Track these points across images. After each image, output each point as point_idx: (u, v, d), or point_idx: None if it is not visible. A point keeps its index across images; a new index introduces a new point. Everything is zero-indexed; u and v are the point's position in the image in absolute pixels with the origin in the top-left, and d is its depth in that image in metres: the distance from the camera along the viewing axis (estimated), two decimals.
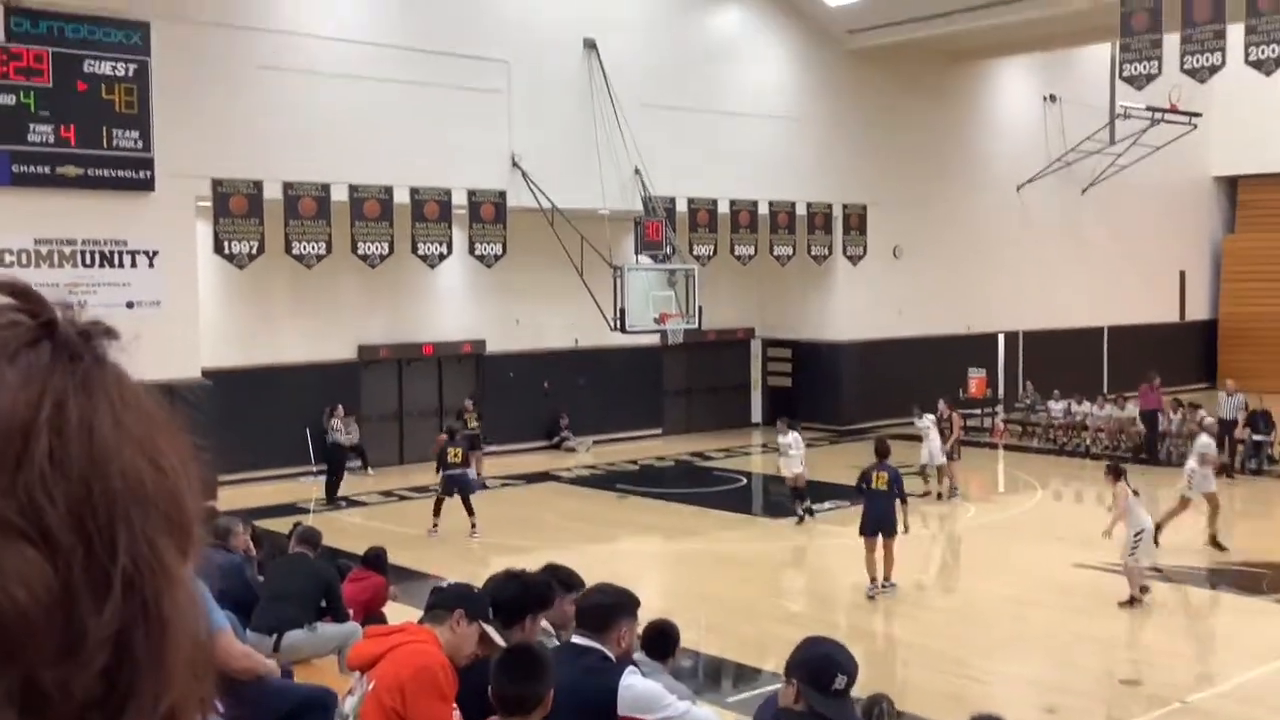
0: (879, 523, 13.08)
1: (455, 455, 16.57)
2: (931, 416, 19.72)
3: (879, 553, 13.19)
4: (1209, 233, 37.24)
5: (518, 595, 4.64)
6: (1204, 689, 10.22)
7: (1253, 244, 36.16)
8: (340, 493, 20.04)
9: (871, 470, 13.35)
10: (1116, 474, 13.09)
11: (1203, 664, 11.02)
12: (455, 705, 4.17)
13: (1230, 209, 37.50)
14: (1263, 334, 35.00)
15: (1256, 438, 22.35)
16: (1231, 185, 37.30)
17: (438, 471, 16.79)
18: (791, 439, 17.29)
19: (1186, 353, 35.89)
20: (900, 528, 13.26)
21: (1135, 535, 12.48)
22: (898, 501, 13.25)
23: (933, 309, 28.42)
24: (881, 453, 13.52)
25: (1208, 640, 12.02)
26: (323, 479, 20.56)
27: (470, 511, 16.30)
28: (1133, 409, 24.74)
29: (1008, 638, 12.22)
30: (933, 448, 19.17)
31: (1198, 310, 36.78)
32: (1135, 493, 12.75)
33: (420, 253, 21.17)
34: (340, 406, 20.90)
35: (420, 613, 5.69)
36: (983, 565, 15.30)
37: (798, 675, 3.79)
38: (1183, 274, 36.18)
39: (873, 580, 13.20)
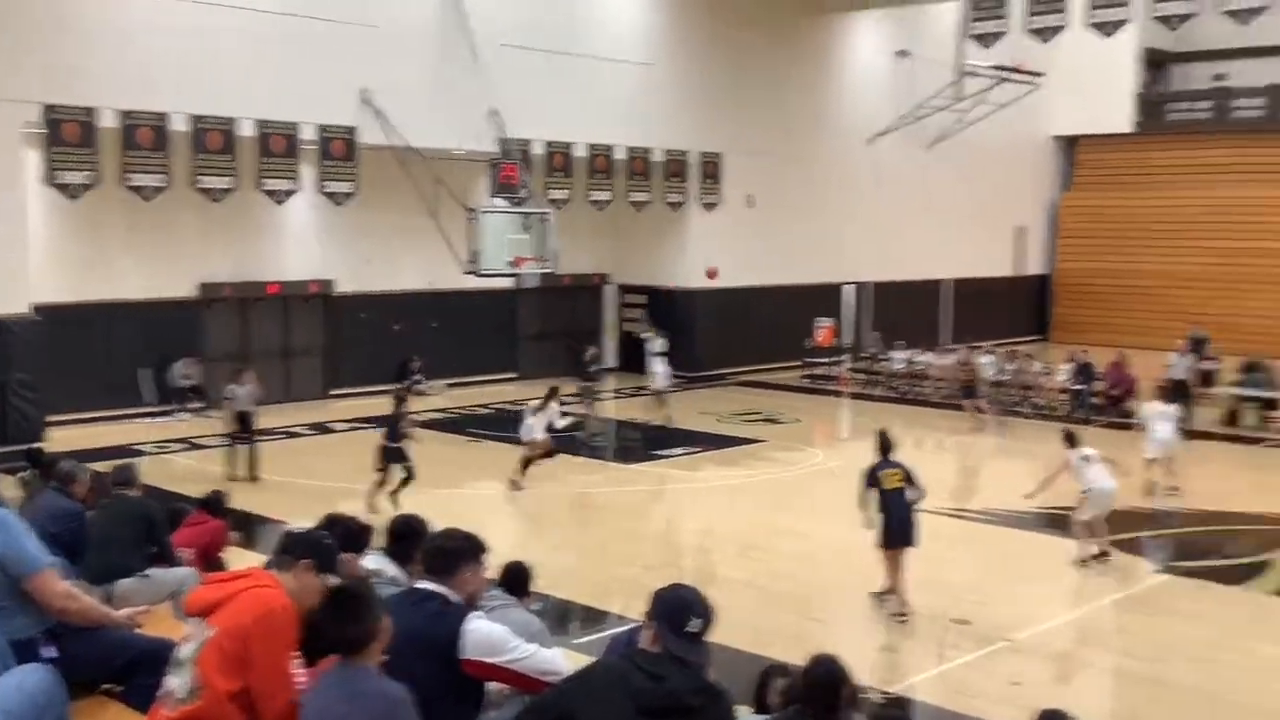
0: (904, 528, 10.95)
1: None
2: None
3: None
4: (1047, 191, 38.65)
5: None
6: (1029, 627, 10.71)
7: (1087, 202, 37.69)
8: (182, 434, 19.49)
9: (878, 469, 11.12)
10: (1071, 440, 13.04)
11: (1029, 604, 11.54)
12: (298, 653, 4.09)
13: (1068, 168, 38.96)
14: (1095, 289, 36.61)
15: (1076, 387, 23.44)
16: (1070, 145, 38.73)
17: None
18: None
19: (1022, 306, 37.38)
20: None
21: (1082, 493, 12.86)
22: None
23: (785, 258, 28.89)
24: (886, 446, 11.33)
25: (1035, 581, 12.59)
26: (163, 420, 19.92)
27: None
28: (977, 358, 25.62)
29: (848, 580, 12.60)
30: None
31: (1035, 265, 38.24)
32: (1086, 457, 12.90)
33: (266, 188, 20.52)
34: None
35: (266, 558, 5.59)
36: (827, 510, 15.72)
37: (656, 618, 3.87)
38: (1021, 229, 37.53)
39: (891, 591, 11.12)
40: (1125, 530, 13.89)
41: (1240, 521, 14.98)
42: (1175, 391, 19.58)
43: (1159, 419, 16.33)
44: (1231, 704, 9.20)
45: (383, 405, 22.91)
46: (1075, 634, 10.88)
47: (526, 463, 16.27)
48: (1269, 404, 22.25)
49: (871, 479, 11.11)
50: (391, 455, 14.74)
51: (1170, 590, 12.31)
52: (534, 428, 16.47)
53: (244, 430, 16.70)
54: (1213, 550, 13.69)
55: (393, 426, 15.06)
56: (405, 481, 14.66)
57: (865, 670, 9.11)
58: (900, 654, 10.29)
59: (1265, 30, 36.90)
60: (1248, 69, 36.90)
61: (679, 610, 3.84)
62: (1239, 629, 11.14)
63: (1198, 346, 25.63)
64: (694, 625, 3.78)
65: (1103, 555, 12.80)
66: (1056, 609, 11.33)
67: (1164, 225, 35.33)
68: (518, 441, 16.79)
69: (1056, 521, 14.99)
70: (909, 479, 11.11)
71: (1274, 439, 21.16)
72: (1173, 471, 16.15)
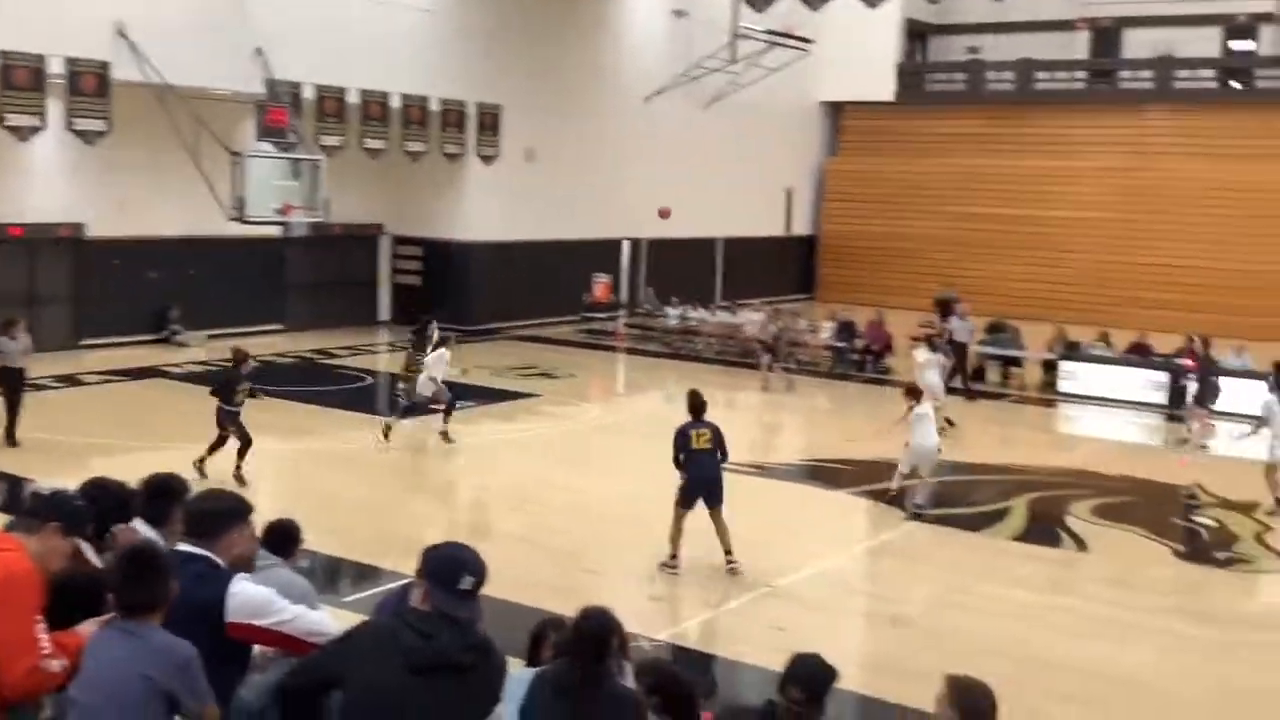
0: (708, 487, 11.00)
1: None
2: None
3: (705, 524, 11.09)
4: (814, 155, 39.98)
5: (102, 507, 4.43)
6: (790, 574, 11.18)
7: (851, 167, 39.20)
8: None
9: (689, 428, 11.15)
10: (914, 394, 13.82)
11: (792, 553, 12.03)
12: (41, 617, 3.91)
13: (833, 133, 40.38)
14: (859, 250, 38.19)
15: (838, 344, 24.50)
16: (836, 111, 40.12)
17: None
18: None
19: (790, 266, 38.67)
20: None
21: (905, 445, 13.53)
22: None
23: (563, 213, 28.92)
24: (697, 408, 11.27)
25: (796, 529, 13.13)
26: None
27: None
28: (747, 315, 26.40)
29: (621, 532, 12.85)
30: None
31: (802, 226, 39.57)
32: (921, 415, 13.48)
33: (9, 124, 19.10)
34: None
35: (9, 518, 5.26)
36: (601, 464, 15.96)
37: (427, 575, 3.86)
38: (790, 191, 38.74)
39: (674, 555, 11.14)
40: (878, 481, 14.65)
41: (984, 472, 16.00)
42: (957, 353, 20.71)
43: (929, 367, 17.29)
44: (970, 644, 9.87)
45: (138, 356, 21.94)
46: (833, 580, 11.42)
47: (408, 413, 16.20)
48: (1011, 362, 23.79)
49: (682, 438, 11.10)
50: (228, 419, 13.72)
51: (919, 537, 13.06)
52: (431, 378, 16.02)
53: (14, 387, 15.21)
54: (959, 499, 14.58)
55: (227, 388, 13.93)
56: (243, 449, 13.74)
57: (635, 620, 9.32)
58: (670, 603, 10.57)
59: (1018, 7, 39.25)
60: (1000, 43, 39.11)
61: (450, 568, 3.84)
62: (979, 573, 11.94)
63: (945, 307, 27.08)
64: (466, 583, 3.79)
65: (917, 513, 13.50)
66: (816, 557, 11.85)
67: (923, 191, 37.14)
68: (284, 396, 16.28)
69: (820, 474, 15.67)
70: (717, 440, 11.15)
71: (1015, 395, 22.67)
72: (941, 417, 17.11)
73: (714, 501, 11.03)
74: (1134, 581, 11.87)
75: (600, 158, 29.98)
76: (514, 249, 28.00)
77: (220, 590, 3.94)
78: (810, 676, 4.36)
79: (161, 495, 4.69)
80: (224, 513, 4.18)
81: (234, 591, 3.95)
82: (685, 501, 11.11)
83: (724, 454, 11.22)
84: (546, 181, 28.40)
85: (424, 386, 16.19)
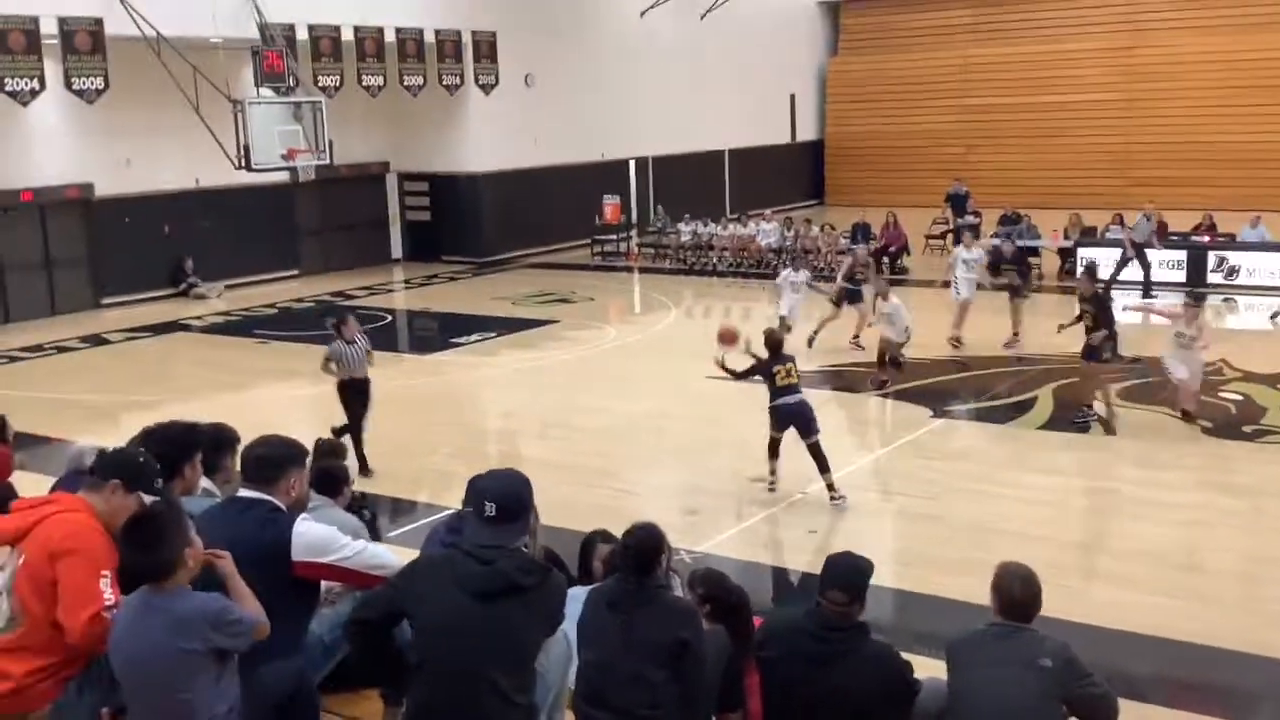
0: (796, 420, 10.86)
1: None
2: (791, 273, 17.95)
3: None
4: (816, 57, 39.46)
5: (165, 453, 4.53)
6: (819, 479, 11.33)
7: (853, 67, 38.71)
8: None
9: (773, 364, 10.94)
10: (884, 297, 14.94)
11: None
12: (110, 574, 4.02)
13: (833, 33, 39.81)
14: (864, 152, 37.90)
15: (854, 247, 24.40)
16: (834, 10, 39.52)
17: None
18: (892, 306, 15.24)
19: (799, 172, 38.41)
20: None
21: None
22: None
23: (567, 137, 28.76)
24: (775, 344, 11.05)
25: (826, 437, 13.26)
26: None
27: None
28: (755, 226, 26.33)
29: (652, 451, 13.02)
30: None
31: (807, 132, 39.22)
32: (888, 313, 14.40)
33: (8, 89, 19.06)
34: None
35: (52, 479, 5.41)
36: (624, 385, 16.09)
37: (466, 504, 4.01)
38: (793, 97, 38.34)
39: (772, 472, 11.12)
40: (900, 383, 14.76)
41: (1008, 364, 16.07)
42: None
43: (962, 264, 17.34)
44: (1001, 531, 10.03)
45: (159, 312, 22.10)
46: (862, 481, 11.57)
47: None
48: (1029, 252, 23.67)
49: (769, 379, 10.94)
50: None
51: (947, 433, 13.20)
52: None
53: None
54: (985, 391, 14.68)
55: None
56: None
57: (674, 535, 9.51)
58: (708, 515, 10.74)
59: None
60: None
61: (474, 497, 3.98)
62: (1009, 463, 12.08)
63: (957, 202, 26.95)
64: (489, 509, 3.90)
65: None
66: (844, 461, 11.98)
67: (926, 86, 36.69)
68: (306, 340, 16.37)
69: (843, 378, 15.78)
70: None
71: (1034, 285, 22.59)
72: (962, 320, 17.15)
73: (808, 434, 10.84)
74: (1162, 460, 11.99)
75: (600, 77, 29.71)
76: (520, 177, 27.91)
77: (285, 531, 4.07)
78: (848, 577, 4.49)
79: (214, 447, 4.83)
80: (282, 458, 4.30)
81: (300, 531, 4.08)
82: (776, 427, 10.99)
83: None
84: (548, 106, 28.21)
85: None
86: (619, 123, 30.22)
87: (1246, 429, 12.82)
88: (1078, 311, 13.65)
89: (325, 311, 13.74)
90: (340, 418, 12.04)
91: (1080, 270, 16.13)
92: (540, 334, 19.73)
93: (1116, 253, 21.30)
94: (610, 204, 29.13)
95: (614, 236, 28.76)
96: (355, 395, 12.03)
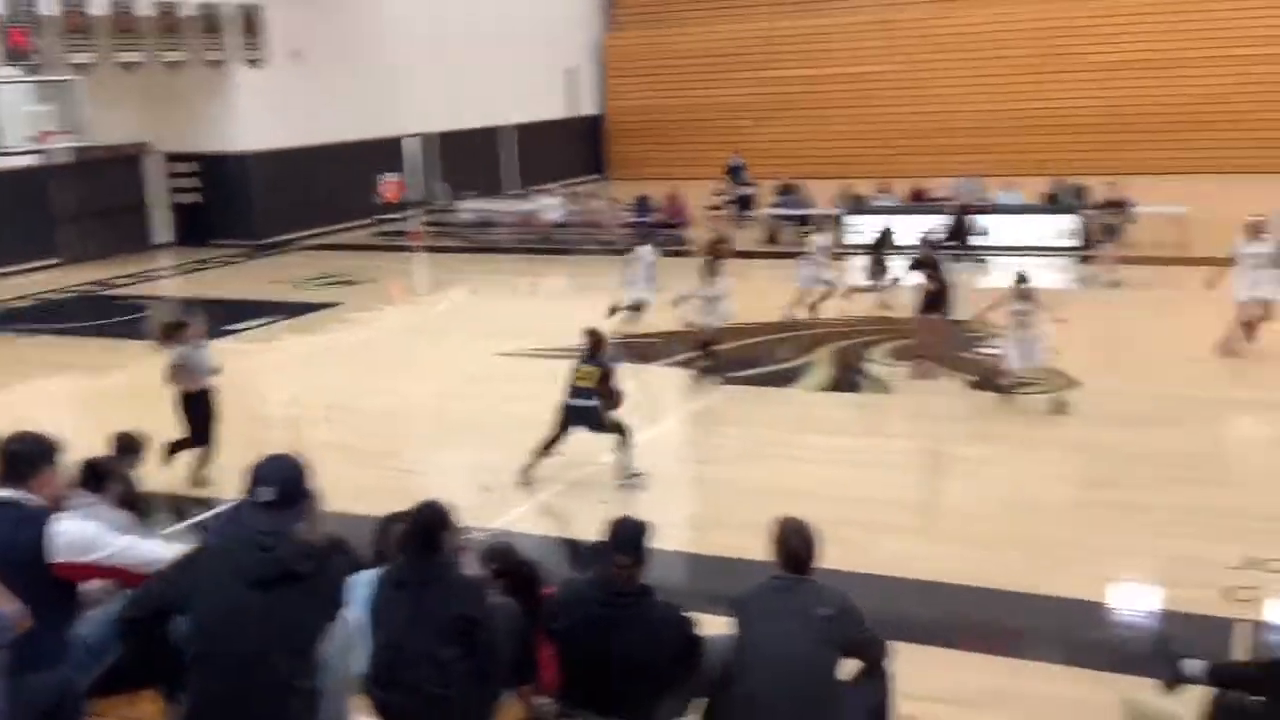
0: (577, 420, 10.66)
1: None
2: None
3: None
4: (593, 31, 39.56)
5: None
6: (610, 451, 11.43)
7: (630, 41, 39.01)
8: None
9: (579, 364, 10.85)
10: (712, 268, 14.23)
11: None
12: None
13: (610, 8, 40.00)
14: (645, 126, 38.29)
15: (637, 220, 24.73)
16: None
17: None
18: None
19: (581, 147, 38.52)
20: None
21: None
22: None
23: (342, 114, 28.02)
24: (593, 346, 10.91)
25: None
26: None
27: None
28: (539, 201, 26.33)
29: (442, 430, 12.88)
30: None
31: (589, 105, 39.34)
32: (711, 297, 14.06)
33: None
34: None
35: None
36: (410, 366, 15.84)
37: (249, 491, 3.89)
38: (572, 71, 38.38)
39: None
40: (686, 351, 15.04)
41: (786, 330, 16.58)
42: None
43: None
44: (789, 491, 10.36)
45: None
46: (652, 450, 11.74)
47: None
48: (803, 220, 24.48)
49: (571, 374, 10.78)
50: None
51: (731, 400, 13.53)
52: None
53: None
54: (765, 358, 15.11)
55: None
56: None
57: (468, 512, 9.43)
58: (496, 493, 10.70)
59: None
60: None
61: (251, 482, 3.90)
62: (792, 425, 12.49)
63: (735, 174, 27.63)
64: (263, 494, 3.81)
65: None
66: (635, 430, 12.14)
67: (705, 60, 37.29)
68: (70, 333, 15.50)
69: (632, 350, 15.96)
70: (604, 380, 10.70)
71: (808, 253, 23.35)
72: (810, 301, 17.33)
73: (595, 431, 10.72)
74: (933, 414, 12.63)
75: (373, 52, 29.03)
76: (296, 156, 27.04)
77: (40, 531, 3.85)
78: (629, 538, 4.57)
79: None
80: (33, 454, 4.06)
81: (58, 530, 3.87)
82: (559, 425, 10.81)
83: (612, 398, 10.70)
84: (321, 82, 27.40)
85: None
86: (396, 98, 29.63)
87: (1005, 381, 13.61)
88: (921, 276, 14.13)
89: (154, 312, 12.69)
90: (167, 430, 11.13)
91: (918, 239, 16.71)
92: (322, 317, 19.21)
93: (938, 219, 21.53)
94: (390, 181, 28.58)
95: (396, 215, 28.24)
96: (203, 406, 11.04)
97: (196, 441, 11.08)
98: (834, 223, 23.09)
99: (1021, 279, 12.71)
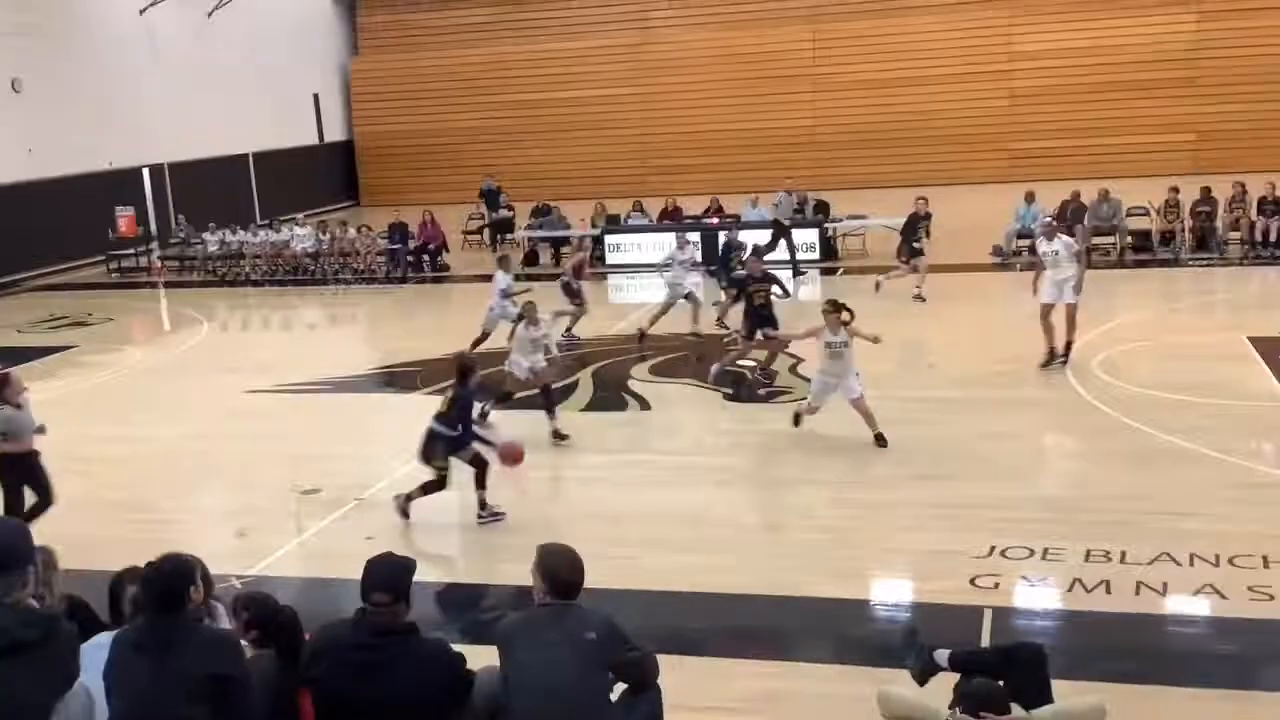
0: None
1: None
2: None
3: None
4: (336, 56, 38.69)
5: None
6: (374, 484, 11.15)
7: (377, 66, 38.38)
8: None
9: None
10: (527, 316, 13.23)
11: (372, 462, 11.97)
12: None
13: (353, 32, 39.25)
14: (397, 151, 37.72)
15: (393, 247, 24.30)
16: (350, 9, 38.93)
17: None
18: None
19: (330, 174, 37.61)
20: None
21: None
22: None
23: (68, 147, 26.42)
24: (462, 372, 10.40)
25: (375, 439, 13.05)
26: None
27: None
28: (290, 231, 25.51)
29: (191, 475, 12.24)
30: None
31: (336, 132, 38.43)
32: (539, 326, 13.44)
33: None
34: None
35: None
36: (157, 408, 15.02)
37: None
38: (316, 97, 37.43)
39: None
40: (447, 379, 14.81)
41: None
42: None
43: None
44: (559, 512, 10.36)
45: None
46: (416, 482, 11.50)
47: None
48: (560, 243, 24.60)
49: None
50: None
51: (502, 424, 13.38)
52: None
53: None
54: (529, 382, 15.01)
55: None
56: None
57: (226, 560, 9.00)
58: (257, 536, 10.24)
59: None
60: None
61: None
62: (558, 448, 12.44)
63: (490, 197, 27.56)
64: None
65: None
66: (398, 463, 11.87)
67: (455, 84, 37.09)
68: None
69: (394, 380, 15.64)
70: (462, 407, 10.30)
71: (565, 274, 23.47)
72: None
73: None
74: (691, 428, 12.85)
75: (100, 81, 27.52)
76: (16, 192, 25.29)
77: None
78: (390, 577, 4.43)
79: None
80: None
81: None
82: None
83: (466, 429, 10.26)
84: (43, 114, 25.76)
85: None
86: (127, 129, 28.15)
87: (761, 392, 14.02)
88: (751, 290, 14.34)
89: None
90: None
91: (748, 253, 17.14)
92: (54, 362, 18.00)
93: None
94: (124, 216, 27.13)
95: (132, 251, 26.79)
96: (26, 471, 9.91)
97: (45, 504, 10.05)
98: (594, 243, 23.33)
99: (836, 307, 11.72)
